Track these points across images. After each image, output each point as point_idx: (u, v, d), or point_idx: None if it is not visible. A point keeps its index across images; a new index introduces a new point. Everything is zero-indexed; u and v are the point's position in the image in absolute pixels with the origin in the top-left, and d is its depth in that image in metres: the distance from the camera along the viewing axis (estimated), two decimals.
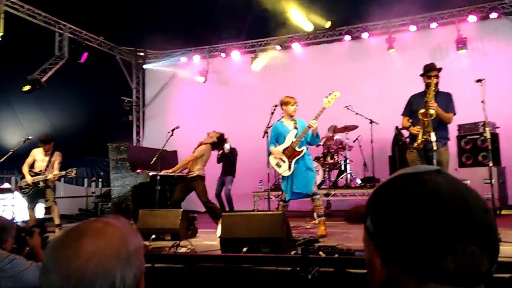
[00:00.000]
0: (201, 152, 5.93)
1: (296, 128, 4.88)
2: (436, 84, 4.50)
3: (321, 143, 7.64)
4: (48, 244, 0.84)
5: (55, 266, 0.77)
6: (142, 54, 11.41)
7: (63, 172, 6.27)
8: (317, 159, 7.48)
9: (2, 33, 7.67)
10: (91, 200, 10.05)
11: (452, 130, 5.05)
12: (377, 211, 0.67)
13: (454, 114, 4.59)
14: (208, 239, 4.74)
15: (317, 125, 4.68)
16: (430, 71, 4.54)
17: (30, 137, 6.77)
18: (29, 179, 6.22)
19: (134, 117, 11.50)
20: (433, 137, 4.21)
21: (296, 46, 9.90)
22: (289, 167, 4.79)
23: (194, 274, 3.45)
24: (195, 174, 5.83)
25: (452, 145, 4.91)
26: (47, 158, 6.35)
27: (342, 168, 7.73)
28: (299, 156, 4.78)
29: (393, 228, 0.63)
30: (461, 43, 8.42)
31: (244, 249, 3.67)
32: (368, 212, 0.69)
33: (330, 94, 4.84)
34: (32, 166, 6.37)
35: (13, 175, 9.33)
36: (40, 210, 7.28)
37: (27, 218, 6.46)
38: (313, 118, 4.69)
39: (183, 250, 4.02)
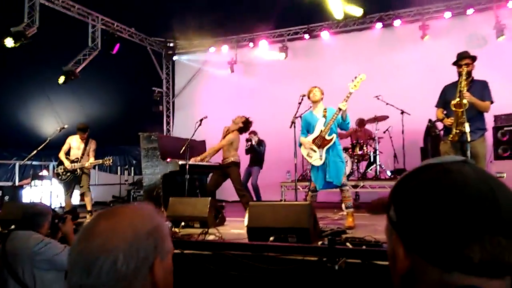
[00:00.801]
0: (229, 141, 6.00)
1: (325, 116, 4.83)
2: (469, 73, 4.34)
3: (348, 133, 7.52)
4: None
5: (74, 245, 0.83)
6: (172, 45, 11.56)
7: (100, 161, 6.50)
8: (345, 150, 7.36)
9: (38, 25, 7.95)
10: (124, 187, 10.38)
11: (489, 121, 4.86)
12: (400, 200, 0.66)
13: (492, 102, 4.40)
14: (236, 227, 4.80)
15: (346, 107, 4.60)
16: (460, 59, 4.40)
17: (66, 126, 7.04)
18: (67, 164, 6.47)
19: (164, 107, 11.72)
20: (467, 128, 4.07)
21: (325, 35, 9.74)
22: (321, 157, 4.76)
23: (222, 261, 3.51)
24: (230, 161, 5.94)
25: (488, 136, 4.74)
26: (82, 146, 6.58)
27: (372, 159, 7.59)
28: (329, 145, 4.74)
29: (416, 217, 0.62)
30: (500, 30, 8.03)
31: (271, 238, 3.70)
32: (391, 202, 0.68)
33: (355, 77, 4.74)
34: (68, 153, 6.59)
35: (50, 162, 9.75)
36: (75, 197, 7.59)
37: (63, 204, 6.75)
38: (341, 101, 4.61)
39: (211, 237, 4.09)
